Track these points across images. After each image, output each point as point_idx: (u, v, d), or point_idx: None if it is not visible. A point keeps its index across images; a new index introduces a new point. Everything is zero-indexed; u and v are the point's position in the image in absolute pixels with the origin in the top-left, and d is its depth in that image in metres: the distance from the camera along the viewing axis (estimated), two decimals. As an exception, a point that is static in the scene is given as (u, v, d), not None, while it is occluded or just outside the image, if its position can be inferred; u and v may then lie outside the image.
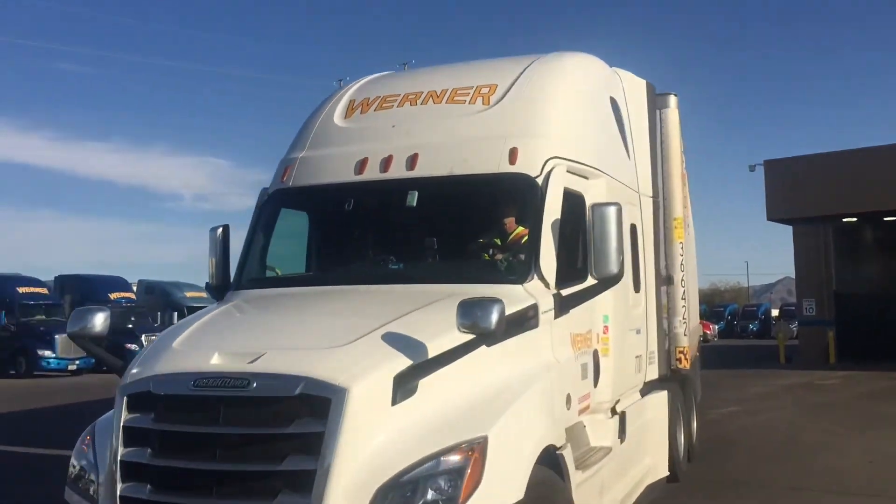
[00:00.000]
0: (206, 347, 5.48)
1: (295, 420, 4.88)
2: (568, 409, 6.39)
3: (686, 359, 10.97)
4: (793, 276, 40.04)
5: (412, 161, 7.00)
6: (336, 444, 4.75)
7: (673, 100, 11.17)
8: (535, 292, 6.24)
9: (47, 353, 31.89)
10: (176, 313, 40.69)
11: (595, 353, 7.26)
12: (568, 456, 5.98)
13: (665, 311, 10.62)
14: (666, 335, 10.61)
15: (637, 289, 8.91)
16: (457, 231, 7.28)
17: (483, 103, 7.34)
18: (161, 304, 43.76)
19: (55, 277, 42.71)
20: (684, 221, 11.63)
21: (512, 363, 5.77)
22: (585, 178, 7.37)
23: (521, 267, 6.49)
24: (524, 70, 7.63)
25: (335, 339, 5.32)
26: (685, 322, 11.01)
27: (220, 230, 7.63)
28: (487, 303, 5.05)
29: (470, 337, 5.13)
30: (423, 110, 7.52)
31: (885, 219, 33.70)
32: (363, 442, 4.84)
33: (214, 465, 4.94)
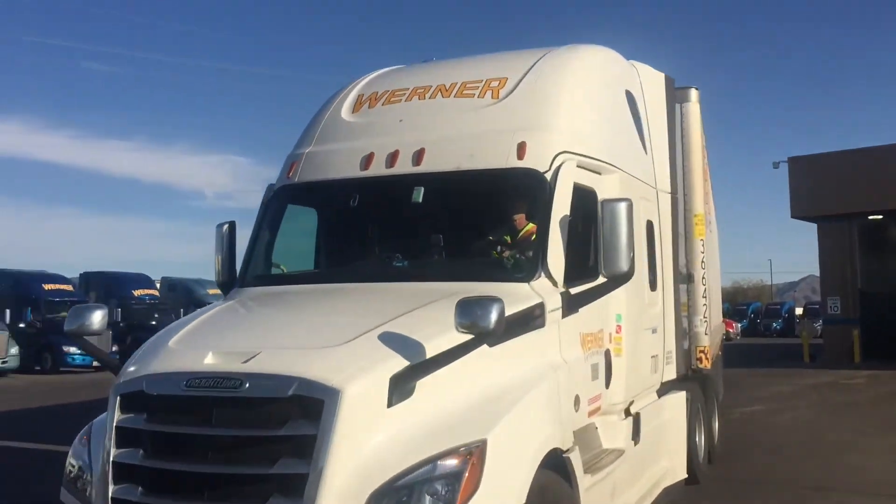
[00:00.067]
0: (201, 346, 5.36)
1: (288, 422, 4.74)
2: (576, 410, 6.20)
3: (707, 358, 10.76)
4: (817, 274, 39.62)
5: (418, 156, 6.85)
6: (329, 448, 4.60)
7: (694, 93, 10.92)
8: (541, 291, 6.07)
9: (72, 349, 31.91)
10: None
11: (607, 353, 7.07)
12: (575, 459, 5.81)
13: (685, 310, 10.43)
14: (686, 334, 10.40)
15: (654, 287, 8.69)
16: (464, 228, 7.10)
17: (492, 97, 7.17)
18: (184, 301, 43.90)
19: (80, 274, 43.23)
20: (706, 218, 11.44)
21: (516, 364, 5.61)
22: (598, 173, 7.19)
23: (528, 265, 6.32)
24: (535, 63, 7.44)
25: (332, 339, 5.18)
26: (706, 321, 10.78)
27: (226, 227, 7.50)
28: (487, 302, 4.88)
29: (470, 337, 4.96)
30: (432, 104, 7.36)
31: (912, 216, 33.26)
32: (357, 445, 4.69)
33: (206, 467, 4.82)
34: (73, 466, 5.69)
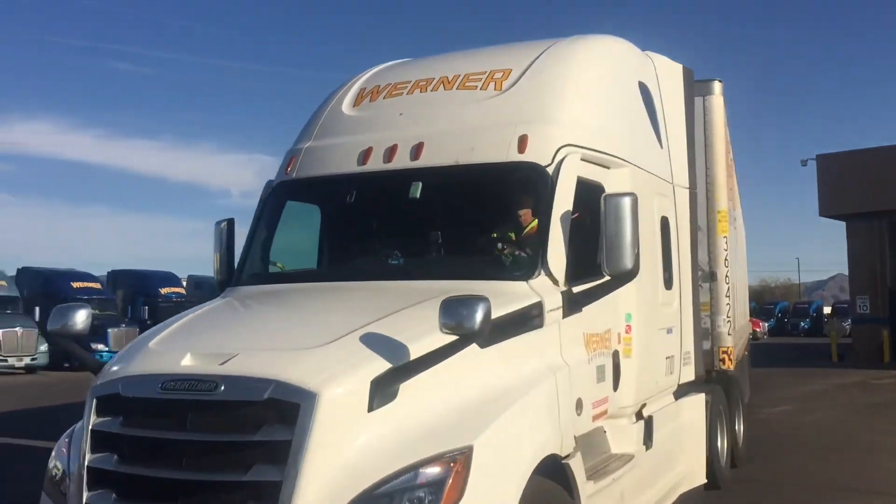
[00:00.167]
0: (180, 347, 5.17)
1: (263, 427, 4.53)
2: (579, 414, 5.93)
3: (730, 359, 10.47)
4: (846, 272, 39.19)
5: (417, 150, 6.62)
6: (303, 454, 4.38)
7: (717, 86, 10.61)
8: (540, 289, 5.82)
9: (100, 346, 32.09)
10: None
11: (615, 354, 6.80)
12: (576, 465, 5.57)
13: (707, 310, 10.13)
14: (709, 334, 10.12)
15: (669, 285, 8.37)
16: (464, 224, 6.83)
17: (495, 88, 6.92)
18: (210, 299, 43.99)
19: (108, 272, 43.54)
20: (730, 214, 11.15)
21: (510, 366, 5.37)
22: (606, 167, 6.91)
23: (528, 262, 6.08)
24: (541, 53, 7.18)
25: (313, 339, 4.96)
26: (729, 320, 10.48)
27: (224, 224, 7.35)
28: (472, 301, 4.64)
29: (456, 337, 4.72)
30: (433, 97, 7.13)
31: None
32: (335, 451, 4.47)
33: (180, 473, 4.63)
34: (55, 470, 5.53)
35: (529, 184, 6.36)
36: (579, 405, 5.95)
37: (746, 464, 11.51)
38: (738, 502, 9.83)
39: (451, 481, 4.37)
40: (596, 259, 6.34)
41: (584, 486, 5.66)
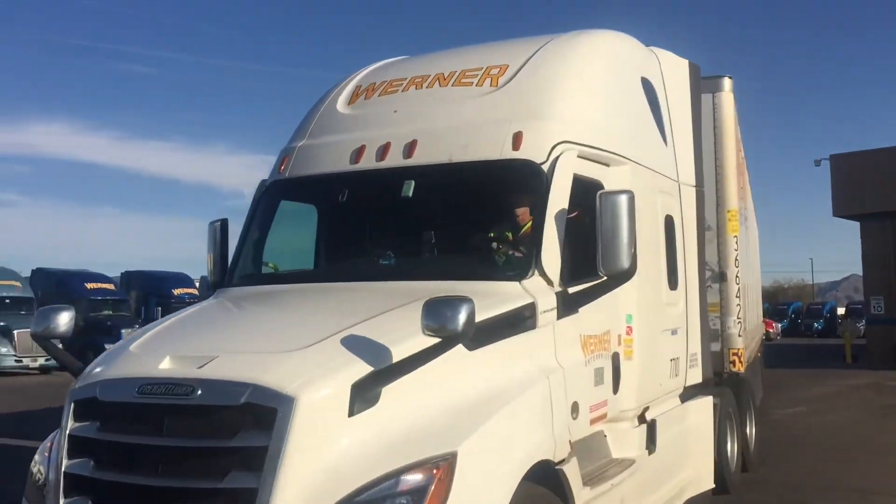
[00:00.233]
0: (160, 350, 5.04)
1: (239, 432, 4.40)
2: (575, 418, 5.76)
3: (741, 361, 10.30)
4: (860, 273, 38.68)
5: (410, 148, 6.47)
6: (281, 460, 4.25)
7: (727, 83, 10.42)
8: (533, 290, 5.65)
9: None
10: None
11: (615, 357, 6.62)
12: (571, 471, 5.39)
13: (716, 311, 9.93)
14: (718, 335, 9.94)
15: (674, 286, 8.16)
16: (457, 223, 6.69)
17: (491, 85, 6.76)
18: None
19: (121, 273, 43.74)
20: (741, 214, 10.96)
21: (500, 368, 5.21)
22: (605, 164, 6.73)
23: (521, 262, 5.93)
24: (538, 49, 7.02)
25: (294, 342, 4.82)
26: (740, 321, 10.29)
27: (218, 224, 7.22)
28: (455, 302, 4.48)
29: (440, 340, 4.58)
30: (428, 94, 6.98)
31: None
32: (313, 458, 4.33)
33: (156, 480, 4.50)
34: (37, 474, 5.40)
35: (524, 181, 6.20)
36: (575, 409, 5.78)
37: (758, 467, 11.32)
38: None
39: (433, 489, 4.23)
40: (592, 259, 6.19)
41: (580, 492, 5.49)
